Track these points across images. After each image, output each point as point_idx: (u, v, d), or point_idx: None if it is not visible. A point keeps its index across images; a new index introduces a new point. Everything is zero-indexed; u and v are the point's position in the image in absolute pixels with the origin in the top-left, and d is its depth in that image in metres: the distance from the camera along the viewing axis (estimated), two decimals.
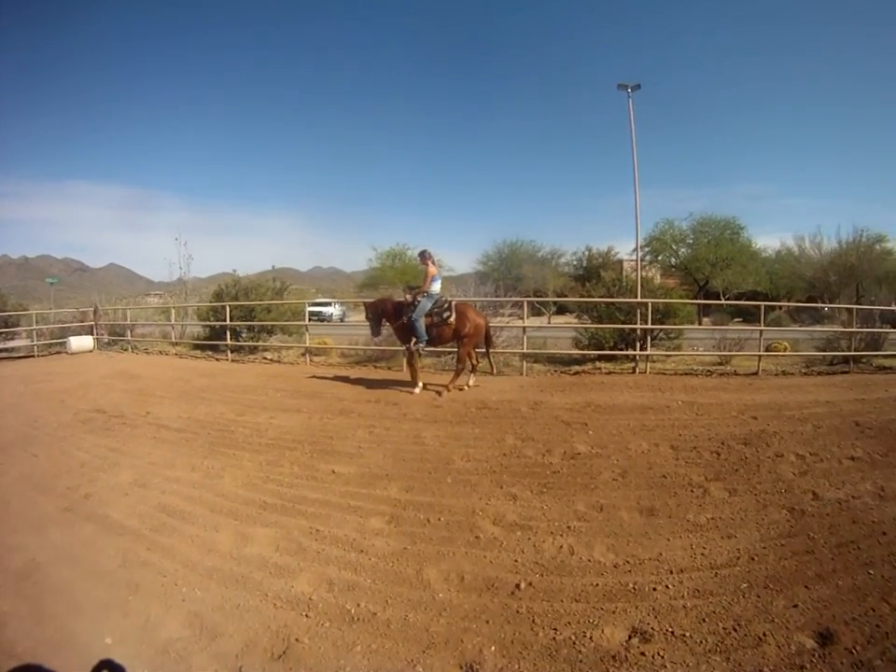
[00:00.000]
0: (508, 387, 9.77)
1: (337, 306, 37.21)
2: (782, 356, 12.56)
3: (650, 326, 11.49)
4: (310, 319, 32.11)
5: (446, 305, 9.30)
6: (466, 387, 9.43)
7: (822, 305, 24.38)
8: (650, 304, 11.55)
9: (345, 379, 10.93)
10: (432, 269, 9.30)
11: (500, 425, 7.12)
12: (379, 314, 9.76)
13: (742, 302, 31.22)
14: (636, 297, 12.68)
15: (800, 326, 26.69)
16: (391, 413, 7.95)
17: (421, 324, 9.15)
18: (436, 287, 9.35)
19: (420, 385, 9.51)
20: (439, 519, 4.32)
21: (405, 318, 9.30)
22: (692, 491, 4.81)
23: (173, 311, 18.45)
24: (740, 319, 32.06)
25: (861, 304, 29.51)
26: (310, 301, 18.13)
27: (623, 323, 12.18)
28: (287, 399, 9.07)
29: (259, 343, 15.61)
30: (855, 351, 11.99)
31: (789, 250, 41.22)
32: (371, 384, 10.28)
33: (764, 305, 12.63)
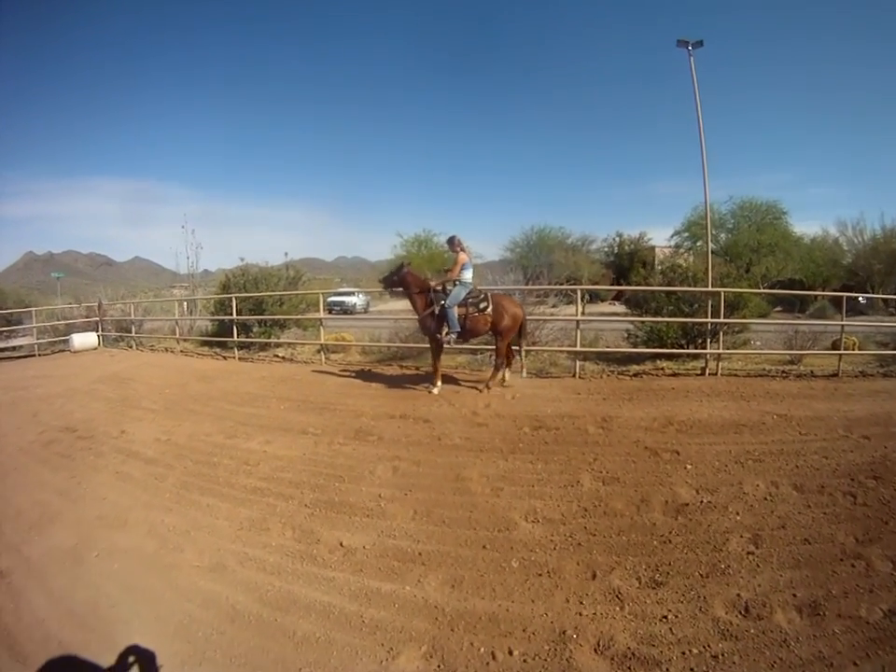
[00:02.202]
0: (562, 395, 8.10)
1: (360, 296, 34.98)
2: (853, 354, 10.88)
3: (722, 320, 9.74)
4: (331, 310, 30.90)
5: (482, 295, 8.39)
6: (503, 384, 8.52)
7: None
8: (722, 294, 9.78)
9: (365, 383, 9.30)
10: (463, 256, 8.29)
11: (568, 455, 5.42)
12: (399, 284, 8.73)
13: (823, 293, 29.91)
14: (699, 286, 10.94)
15: (840, 318, 24.96)
16: (421, 435, 6.26)
17: (454, 313, 8.17)
18: (467, 275, 8.36)
19: (439, 384, 8.50)
20: (510, 652, 2.67)
21: (436, 307, 8.29)
22: (851, 566, 3.36)
23: (176, 304, 16.95)
24: (780, 309, 30.14)
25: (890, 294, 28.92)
26: (325, 291, 16.51)
27: (687, 315, 10.55)
28: (291, 413, 7.46)
29: (271, 340, 14.00)
30: None
31: (827, 236, 40.10)
32: (395, 390, 8.72)
33: (846, 296, 11.08)
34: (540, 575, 3.35)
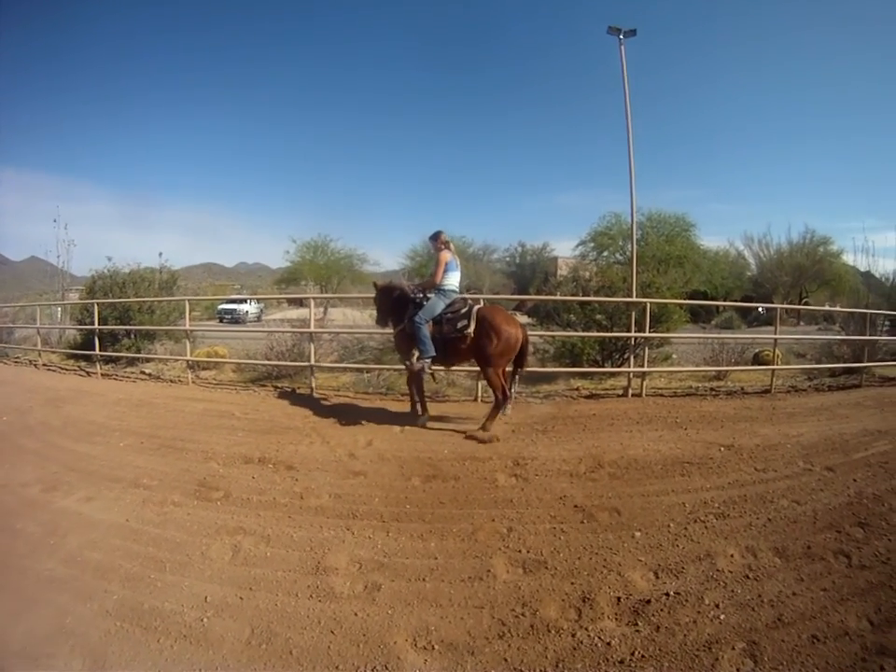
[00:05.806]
0: (462, 426, 6.73)
1: (253, 304, 33.71)
2: (784, 368, 10.47)
3: (649, 333, 8.85)
4: (222, 319, 29.20)
5: (465, 310, 6.54)
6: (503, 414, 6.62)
7: (835, 309, 22.45)
8: (647, 305, 8.80)
9: (229, 410, 7.68)
10: (446, 254, 6.65)
11: (472, 522, 4.04)
12: (389, 303, 7.04)
13: (740, 304, 32.41)
14: (618, 295, 9.99)
15: (746, 328, 25.68)
16: (280, 490, 4.71)
17: (426, 331, 6.40)
18: (452, 280, 6.71)
19: (427, 413, 6.97)
20: None
21: (406, 322, 6.61)
22: (880, 669, 2.47)
23: (39, 311, 14.85)
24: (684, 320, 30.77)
25: (796, 304, 31.44)
26: (194, 297, 14.83)
27: (604, 328, 9.64)
28: (130, 453, 5.80)
29: (140, 355, 12.16)
30: (868, 361, 10.58)
31: (731, 249, 42.84)
32: (262, 419, 7.23)
33: (781, 308, 11.13)
34: None
